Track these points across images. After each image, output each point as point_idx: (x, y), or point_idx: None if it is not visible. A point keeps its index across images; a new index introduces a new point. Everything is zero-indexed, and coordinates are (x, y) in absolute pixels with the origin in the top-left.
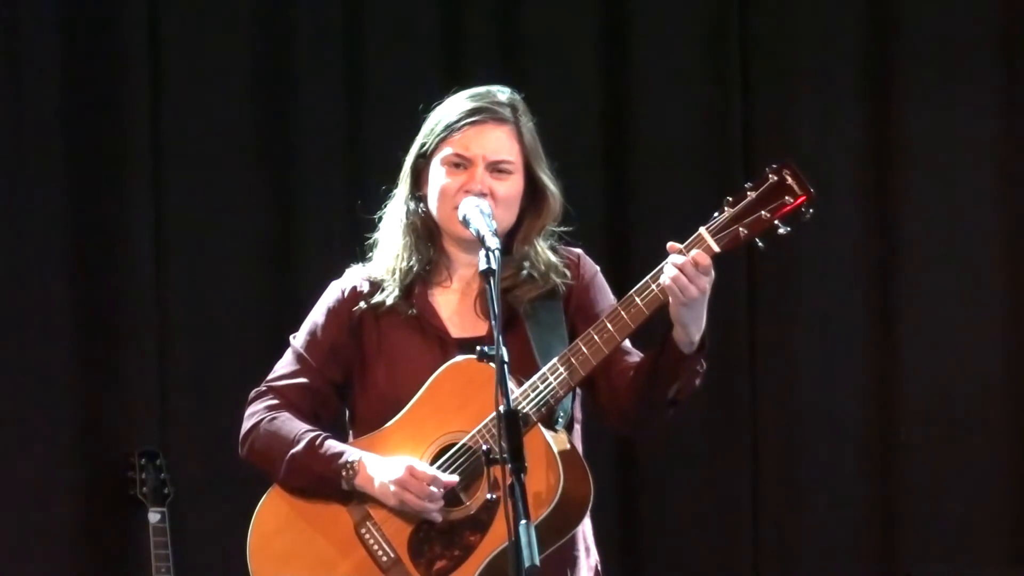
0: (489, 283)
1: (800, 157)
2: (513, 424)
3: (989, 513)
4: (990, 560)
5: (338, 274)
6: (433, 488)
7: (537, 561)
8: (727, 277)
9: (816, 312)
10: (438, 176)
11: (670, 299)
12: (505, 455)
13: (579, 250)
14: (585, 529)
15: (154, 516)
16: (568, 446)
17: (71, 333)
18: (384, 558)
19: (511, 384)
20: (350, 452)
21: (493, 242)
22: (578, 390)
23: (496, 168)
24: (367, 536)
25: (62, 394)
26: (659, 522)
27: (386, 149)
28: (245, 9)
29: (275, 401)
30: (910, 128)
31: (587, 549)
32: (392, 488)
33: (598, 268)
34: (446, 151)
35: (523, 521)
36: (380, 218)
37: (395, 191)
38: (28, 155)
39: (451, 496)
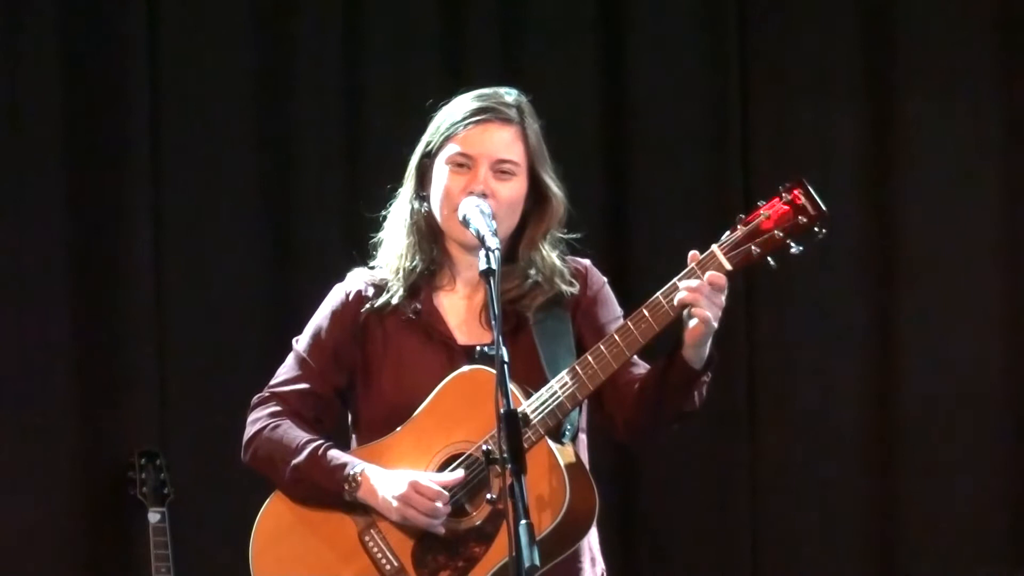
0: (489, 283)
1: (800, 157)
2: (513, 425)
3: (989, 513)
4: (990, 560)
5: (337, 274)
6: (437, 504)
7: (537, 561)
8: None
9: (816, 312)
10: (441, 176)
11: (696, 322)
12: (505, 456)
13: (587, 260)
14: (591, 539)
15: (154, 516)
16: (574, 459)
17: (71, 333)
18: (387, 567)
19: (518, 393)
20: (353, 464)
21: (493, 242)
22: (586, 403)
23: (499, 169)
24: (371, 544)
25: (62, 394)
26: (658, 523)
27: (386, 149)
28: (245, 9)
29: (277, 407)
30: (910, 128)
31: (593, 560)
32: (395, 504)
33: (606, 280)
34: (450, 150)
35: (523, 521)
36: (384, 217)
37: (400, 190)
38: (28, 155)
39: (456, 506)
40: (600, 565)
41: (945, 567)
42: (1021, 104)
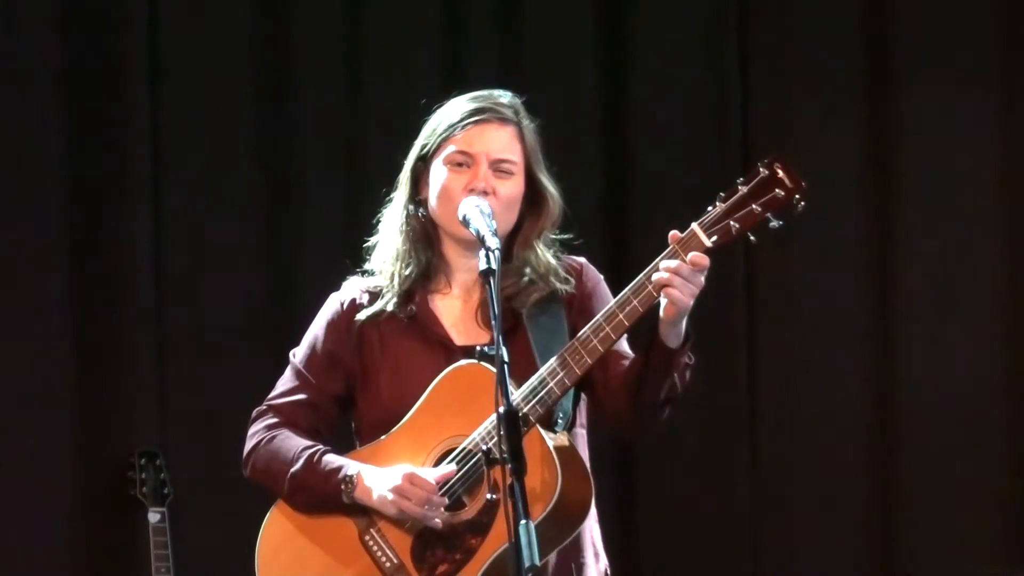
0: (489, 283)
1: (800, 157)
2: (513, 425)
3: (989, 513)
4: (990, 560)
5: (336, 273)
6: (432, 495)
7: (538, 561)
8: (727, 277)
9: (816, 312)
10: (440, 176)
11: (667, 302)
12: (505, 456)
13: (583, 259)
14: (594, 534)
15: (154, 516)
16: (567, 446)
17: (71, 333)
18: (387, 564)
19: (510, 385)
20: (348, 466)
21: (493, 242)
22: (583, 395)
23: (499, 168)
24: (371, 543)
25: (62, 394)
26: (659, 522)
27: (386, 152)
28: (245, 9)
29: (274, 420)
30: (910, 128)
31: (596, 555)
32: (391, 497)
33: (601, 277)
34: (449, 150)
35: (523, 521)
36: (378, 221)
37: (394, 195)
38: (28, 156)
39: (453, 500)
40: (604, 560)
41: (945, 567)
42: (1021, 104)
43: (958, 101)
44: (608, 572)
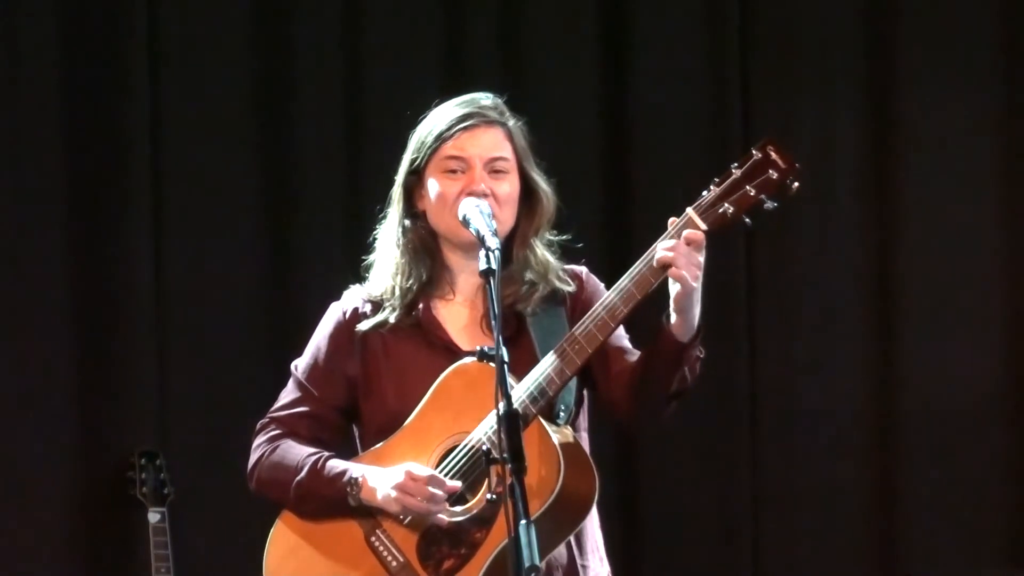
0: (489, 283)
1: (800, 157)
2: (513, 425)
3: (989, 513)
4: (990, 560)
5: (336, 272)
6: (433, 488)
7: (538, 561)
8: (727, 276)
9: (816, 312)
10: (435, 186)
11: (676, 289)
12: (505, 455)
13: (583, 268)
14: (596, 538)
15: (154, 516)
16: (570, 439)
17: (71, 333)
18: (393, 563)
19: (510, 380)
20: (353, 469)
21: (493, 242)
22: (586, 394)
23: (494, 168)
24: (377, 544)
25: (62, 394)
26: (659, 522)
27: (386, 150)
28: (245, 9)
29: (277, 431)
30: (910, 127)
31: (601, 559)
32: (394, 494)
33: (602, 285)
34: (441, 159)
35: (523, 521)
36: (375, 239)
37: (388, 211)
38: (27, 155)
39: (456, 496)
40: (606, 565)
41: (945, 568)
42: (1022, 103)
43: (958, 100)
44: (609, 572)
